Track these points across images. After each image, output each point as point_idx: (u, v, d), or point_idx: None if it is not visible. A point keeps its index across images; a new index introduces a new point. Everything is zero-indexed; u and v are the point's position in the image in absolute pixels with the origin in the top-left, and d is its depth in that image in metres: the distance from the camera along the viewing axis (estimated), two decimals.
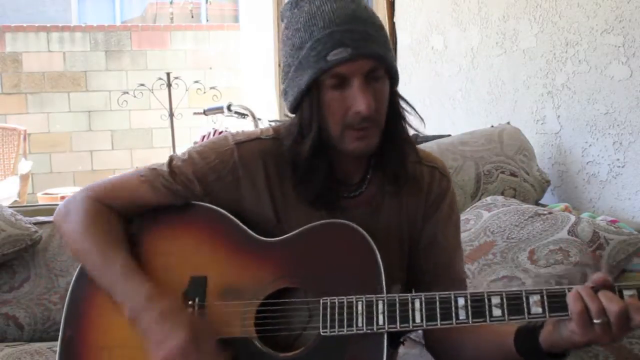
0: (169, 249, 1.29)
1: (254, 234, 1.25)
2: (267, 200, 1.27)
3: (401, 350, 1.36)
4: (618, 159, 2.18)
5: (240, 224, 1.26)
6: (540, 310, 1.07)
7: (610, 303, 1.02)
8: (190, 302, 1.22)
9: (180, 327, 1.16)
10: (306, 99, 1.20)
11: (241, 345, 1.19)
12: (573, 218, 1.81)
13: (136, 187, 1.29)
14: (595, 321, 1.03)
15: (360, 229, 1.20)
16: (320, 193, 1.25)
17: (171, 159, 1.30)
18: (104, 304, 1.25)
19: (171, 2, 8.27)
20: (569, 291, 1.06)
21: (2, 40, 6.62)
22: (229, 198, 1.28)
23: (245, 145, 1.28)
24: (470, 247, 1.85)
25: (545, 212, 1.88)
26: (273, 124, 4.15)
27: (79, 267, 1.30)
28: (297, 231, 1.23)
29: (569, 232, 1.75)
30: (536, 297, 1.08)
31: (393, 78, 1.23)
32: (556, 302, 1.07)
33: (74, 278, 1.30)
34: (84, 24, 7.27)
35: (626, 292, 1.04)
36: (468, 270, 1.75)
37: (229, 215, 1.27)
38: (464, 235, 1.87)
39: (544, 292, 1.08)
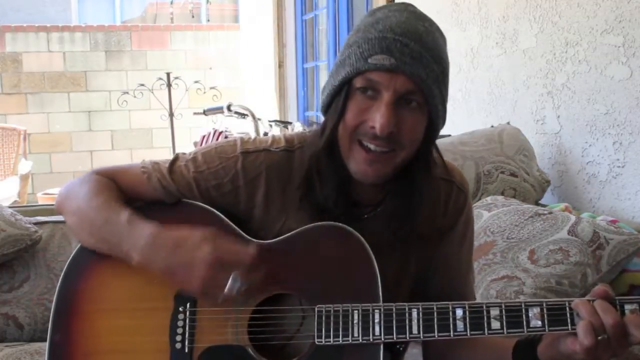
0: None
1: (246, 236, 1.21)
2: (262, 215, 1.24)
3: None
4: (618, 159, 2.18)
5: (233, 225, 1.22)
6: (539, 323, 1.04)
7: (605, 314, 1.00)
8: (181, 308, 1.18)
9: (202, 241, 1.10)
10: (336, 99, 1.14)
11: (234, 353, 1.16)
12: (573, 218, 1.81)
13: (135, 176, 1.26)
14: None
15: (356, 233, 1.15)
16: (328, 204, 1.18)
17: (176, 158, 1.27)
18: (94, 306, 1.23)
19: (171, 2, 8.28)
20: (568, 304, 1.03)
21: (2, 40, 6.63)
22: (224, 203, 1.25)
23: (252, 155, 1.23)
24: None
25: (545, 212, 1.88)
26: (273, 124, 4.17)
27: (66, 265, 1.25)
28: (290, 234, 1.19)
29: (569, 232, 1.75)
30: (536, 310, 1.05)
31: (432, 120, 1.14)
32: (556, 316, 1.04)
33: (61, 277, 1.24)
34: (84, 24, 7.28)
35: (628, 307, 1.01)
36: None
37: (221, 215, 1.22)
38: None
39: (544, 304, 1.05)
